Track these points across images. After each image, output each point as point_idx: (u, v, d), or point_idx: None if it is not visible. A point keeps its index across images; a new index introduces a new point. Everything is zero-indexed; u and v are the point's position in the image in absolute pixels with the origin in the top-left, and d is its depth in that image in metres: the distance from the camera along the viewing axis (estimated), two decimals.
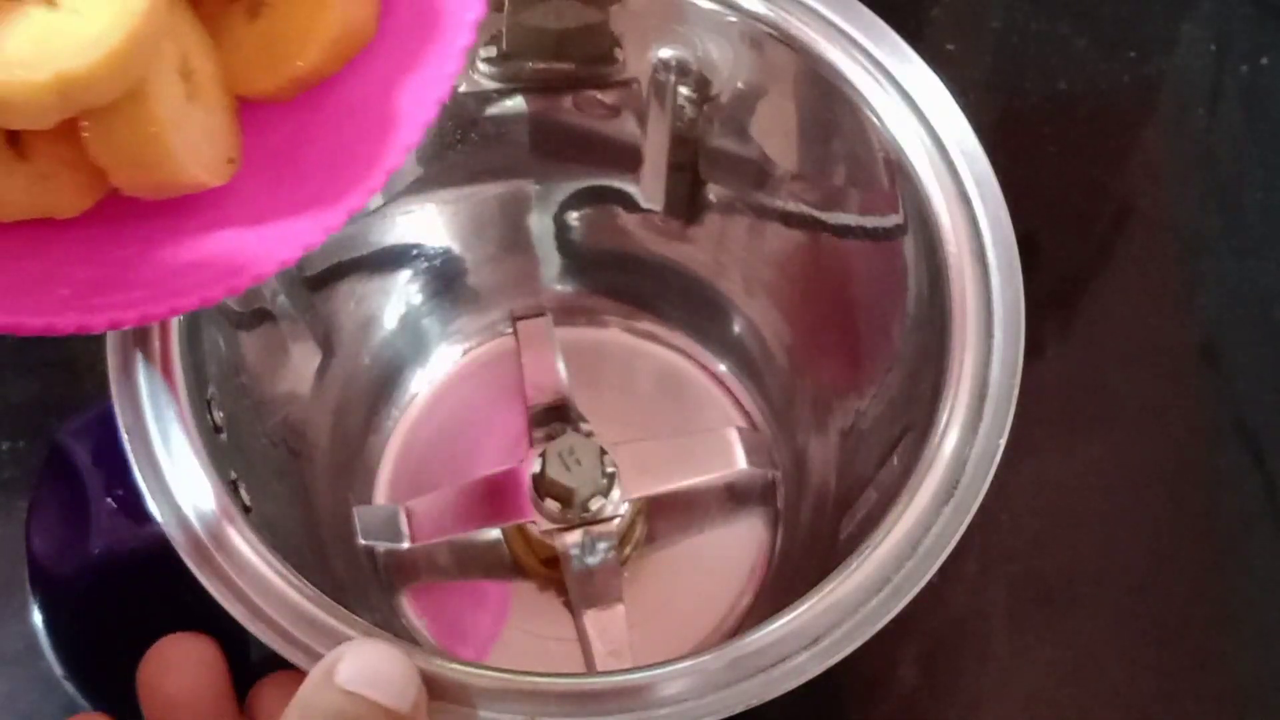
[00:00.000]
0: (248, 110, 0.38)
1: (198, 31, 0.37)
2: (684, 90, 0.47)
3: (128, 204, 0.36)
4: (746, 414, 0.52)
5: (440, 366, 0.53)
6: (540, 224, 0.53)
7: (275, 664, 0.36)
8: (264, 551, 0.36)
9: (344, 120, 0.38)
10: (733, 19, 0.45)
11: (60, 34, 0.32)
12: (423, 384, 0.53)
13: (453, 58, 0.36)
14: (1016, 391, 0.39)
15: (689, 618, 0.48)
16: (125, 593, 0.43)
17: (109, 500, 0.43)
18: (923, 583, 0.36)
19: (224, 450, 0.39)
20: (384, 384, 0.52)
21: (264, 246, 0.36)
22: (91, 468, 0.43)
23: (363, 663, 0.33)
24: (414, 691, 0.33)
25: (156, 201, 0.36)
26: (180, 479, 0.37)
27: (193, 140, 0.36)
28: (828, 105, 0.44)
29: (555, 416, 0.51)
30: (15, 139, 0.35)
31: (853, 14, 0.44)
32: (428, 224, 0.51)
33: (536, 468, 0.46)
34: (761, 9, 0.44)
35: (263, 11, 0.37)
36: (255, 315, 0.45)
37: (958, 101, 0.43)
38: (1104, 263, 0.59)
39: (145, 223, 0.36)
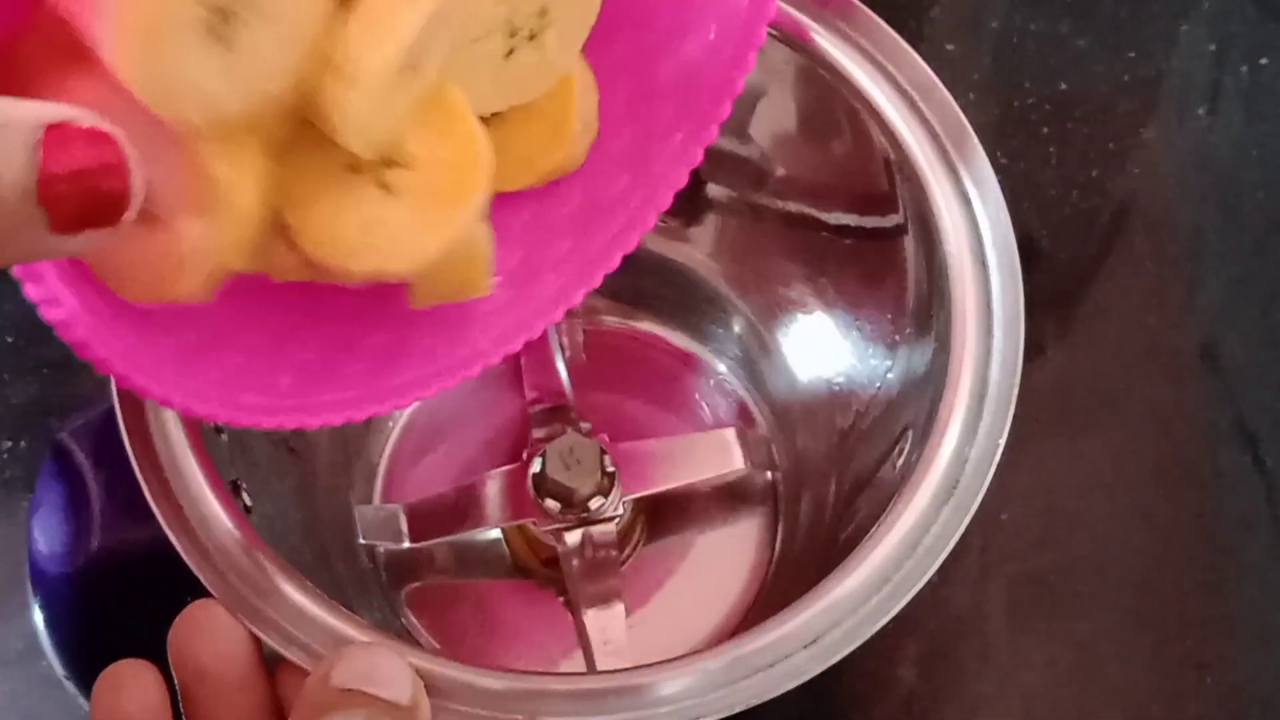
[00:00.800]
0: None
1: None
2: None
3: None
4: (747, 414, 0.53)
5: None
6: None
7: None
8: (265, 551, 0.36)
9: (538, 232, 0.37)
10: None
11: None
12: None
13: (658, 203, 0.36)
14: (1016, 391, 0.39)
15: (689, 618, 0.49)
16: (126, 592, 0.43)
17: (110, 500, 0.43)
18: (922, 583, 0.36)
19: (225, 450, 0.40)
20: None
21: (448, 355, 0.36)
22: (93, 467, 0.43)
23: (356, 663, 0.33)
24: (410, 685, 0.33)
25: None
26: (181, 479, 0.37)
27: None
28: (828, 105, 0.44)
29: (555, 416, 0.51)
30: None
31: (852, 14, 0.44)
32: None
33: (536, 467, 0.46)
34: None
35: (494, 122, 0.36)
36: None
37: (958, 101, 0.43)
38: (1104, 263, 0.59)
39: (359, 296, 0.36)
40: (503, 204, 0.37)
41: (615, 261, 0.36)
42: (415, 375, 0.36)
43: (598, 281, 0.36)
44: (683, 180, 0.36)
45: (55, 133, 0.23)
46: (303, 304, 0.36)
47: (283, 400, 0.34)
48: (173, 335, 0.33)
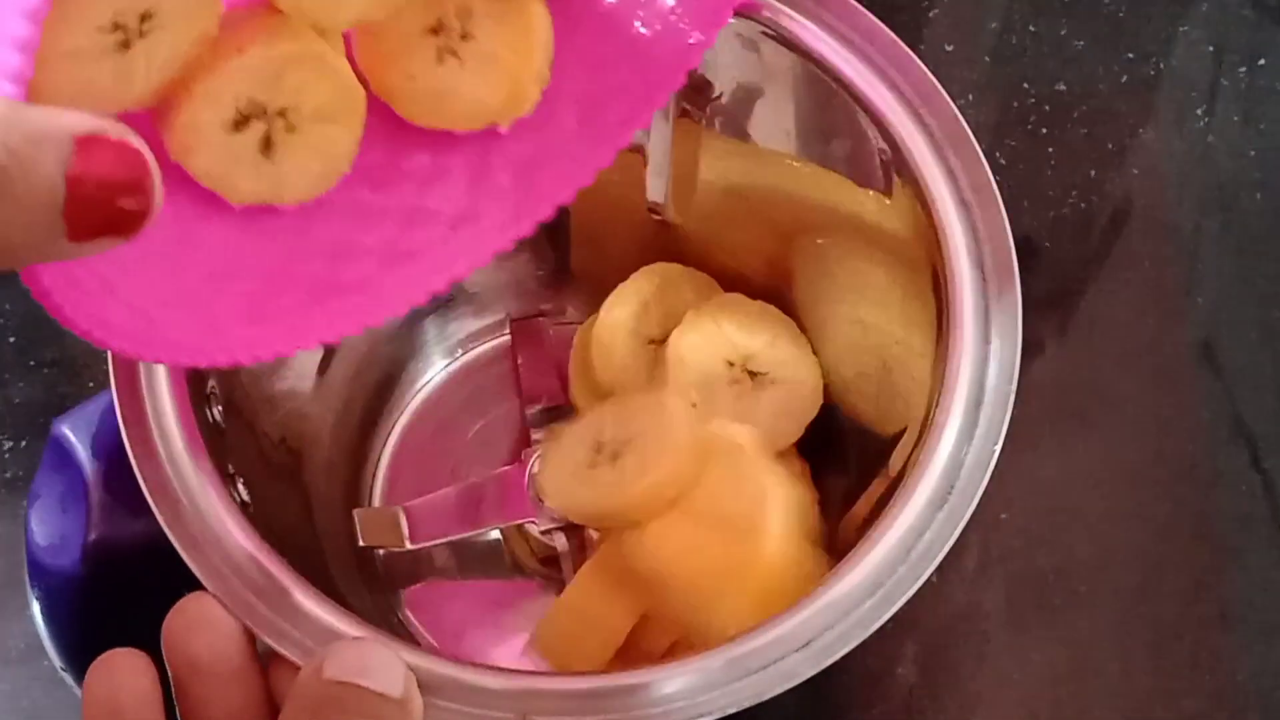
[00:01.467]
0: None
1: None
2: (685, 90, 0.47)
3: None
4: None
5: (440, 367, 0.53)
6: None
7: None
8: (261, 548, 0.36)
9: (480, 170, 0.39)
10: (732, 20, 0.45)
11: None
12: (422, 384, 0.53)
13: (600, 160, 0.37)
14: (1013, 397, 0.39)
15: None
16: (123, 584, 0.43)
17: (108, 492, 0.43)
18: (914, 588, 0.36)
19: (223, 446, 0.40)
20: (384, 384, 0.52)
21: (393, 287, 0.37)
22: (91, 460, 0.43)
23: (349, 657, 0.33)
24: (402, 678, 0.33)
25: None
26: (178, 473, 0.37)
27: None
28: (827, 106, 0.44)
29: (554, 417, 0.51)
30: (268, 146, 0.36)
31: (851, 15, 0.44)
32: None
33: (536, 468, 0.46)
34: (760, 10, 0.44)
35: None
36: None
37: (957, 102, 0.43)
38: (1102, 263, 0.59)
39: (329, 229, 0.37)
40: (448, 143, 0.38)
41: (548, 213, 0.38)
42: (356, 302, 0.36)
43: (530, 230, 0.38)
44: (626, 140, 0.37)
45: (86, 146, 0.24)
46: (285, 241, 0.36)
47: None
48: (149, 297, 0.33)
